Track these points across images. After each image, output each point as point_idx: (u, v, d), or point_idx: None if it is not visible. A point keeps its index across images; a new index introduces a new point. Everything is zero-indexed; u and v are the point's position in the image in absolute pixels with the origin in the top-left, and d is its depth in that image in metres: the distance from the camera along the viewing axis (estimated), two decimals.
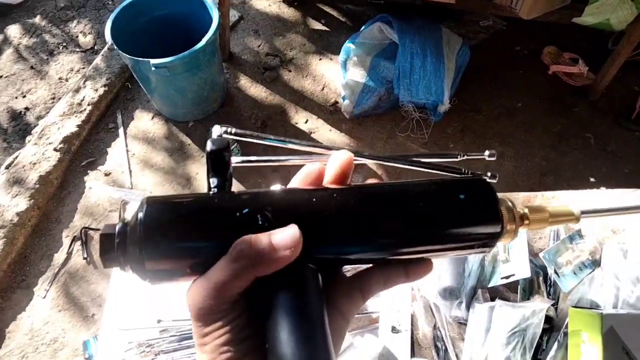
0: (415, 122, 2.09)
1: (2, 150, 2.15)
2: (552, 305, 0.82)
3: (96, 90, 2.18)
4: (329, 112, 2.20)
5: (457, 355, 0.81)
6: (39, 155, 1.98)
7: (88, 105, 2.14)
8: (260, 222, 0.31)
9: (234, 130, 0.43)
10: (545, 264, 0.86)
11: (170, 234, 0.31)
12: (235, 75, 2.32)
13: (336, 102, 2.21)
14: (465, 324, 0.83)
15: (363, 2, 2.51)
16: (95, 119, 2.17)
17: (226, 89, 2.25)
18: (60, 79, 2.36)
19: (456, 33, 2.10)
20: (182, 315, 0.85)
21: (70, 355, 1.63)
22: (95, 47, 2.46)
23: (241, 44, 2.43)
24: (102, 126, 2.19)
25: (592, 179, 1.97)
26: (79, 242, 1.84)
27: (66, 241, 1.86)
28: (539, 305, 0.76)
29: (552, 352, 0.77)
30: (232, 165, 0.35)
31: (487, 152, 0.47)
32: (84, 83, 2.21)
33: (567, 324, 0.77)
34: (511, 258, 0.87)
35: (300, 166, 0.38)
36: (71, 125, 2.08)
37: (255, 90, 2.28)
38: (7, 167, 2.00)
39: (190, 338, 0.83)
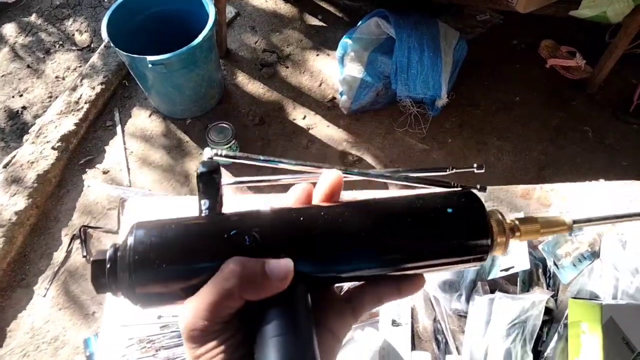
0: (413, 117, 2.09)
1: None
2: (552, 297, 0.82)
3: (93, 88, 2.18)
4: (327, 108, 2.19)
5: (457, 348, 0.82)
6: (36, 154, 1.98)
7: (85, 103, 2.13)
8: (248, 243, 0.31)
9: (224, 153, 0.44)
10: (545, 255, 0.86)
11: (159, 259, 0.31)
12: (232, 72, 2.32)
13: (334, 98, 2.21)
14: (465, 317, 0.83)
15: None
16: (93, 117, 2.17)
17: (224, 85, 2.25)
18: (57, 77, 2.35)
19: (453, 27, 2.10)
20: None
21: (72, 353, 1.63)
22: (92, 45, 2.45)
23: (238, 41, 2.42)
24: (99, 124, 2.18)
25: (590, 173, 1.97)
26: (78, 241, 1.84)
27: (65, 240, 1.86)
28: (539, 297, 0.76)
29: (552, 344, 0.77)
30: (223, 186, 0.36)
31: (475, 165, 0.48)
32: (80, 81, 2.20)
33: (567, 315, 0.78)
34: (510, 250, 0.87)
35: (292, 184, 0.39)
36: (69, 124, 2.07)
37: (253, 86, 2.27)
38: (5, 166, 1.99)
39: None
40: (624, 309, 0.73)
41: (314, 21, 2.48)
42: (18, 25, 2.53)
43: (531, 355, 0.74)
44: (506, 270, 0.84)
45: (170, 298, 0.32)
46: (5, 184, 1.90)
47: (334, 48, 2.18)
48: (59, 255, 1.82)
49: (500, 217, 0.35)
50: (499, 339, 0.76)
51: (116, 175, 2.03)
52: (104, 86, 2.20)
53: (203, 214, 0.34)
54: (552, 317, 0.81)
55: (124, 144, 2.11)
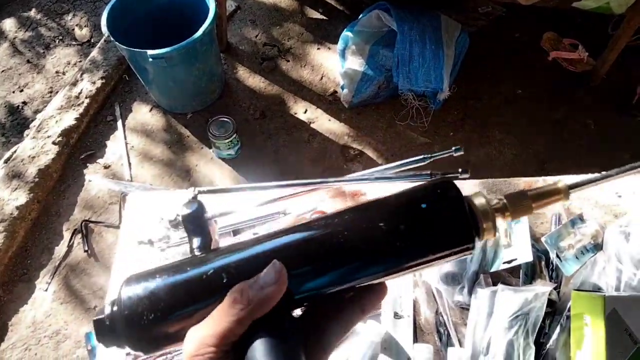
0: (415, 111, 2.08)
1: (0, 145, 2.14)
2: (555, 289, 0.82)
3: (94, 83, 2.17)
4: (328, 102, 2.18)
5: (459, 340, 0.81)
6: (37, 148, 1.98)
7: (86, 98, 2.13)
8: (225, 281, 0.33)
9: (206, 189, 0.46)
10: (547, 248, 0.86)
11: (147, 311, 0.33)
12: (233, 66, 2.31)
13: (335, 92, 2.20)
14: (468, 309, 0.83)
15: None
16: (94, 111, 2.16)
17: (224, 79, 2.24)
18: (57, 72, 2.34)
19: (455, 20, 2.08)
20: None
21: (73, 347, 1.63)
22: (92, 40, 2.44)
23: (238, 35, 2.41)
24: (100, 119, 2.18)
25: (592, 166, 1.96)
26: (79, 235, 1.84)
27: (67, 234, 1.86)
28: (542, 289, 0.76)
29: (554, 336, 0.77)
30: (214, 219, 0.38)
31: (453, 148, 0.48)
32: (81, 76, 2.19)
33: (569, 307, 0.77)
34: (513, 242, 0.87)
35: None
36: (69, 119, 2.07)
37: (254, 80, 2.26)
38: (6, 161, 1.99)
39: None
40: (626, 300, 0.72)
41: (314, 14, 2.47)
42: (18, 20, 2.52)
43: (533, 347, 0.74)
44: (509, 262, 0.84)
45: (172, 340, 0.33)
46: (6, 178, 1.90)
47: (335, 41, 2.17)
48: (60, 250, 1.82)
49: (483, 200, 0.33)
50: (501, 331, 0.76)
51: (117, 169, 2.03)
52: (104, 81, 2.19)
53: (196, 252, 0.37)
54: (554, 310, 0.81)
55: (125, 138, 2.11)
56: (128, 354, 0.82)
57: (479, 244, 0.35)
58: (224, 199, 0.94)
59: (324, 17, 2.46)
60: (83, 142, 2.10)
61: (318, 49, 2.35)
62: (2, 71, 2.36)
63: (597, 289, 0.80)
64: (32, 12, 2.54)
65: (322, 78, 2.26)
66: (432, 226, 0.33)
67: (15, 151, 2.01)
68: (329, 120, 2.13)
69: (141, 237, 0.93)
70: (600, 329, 0.71)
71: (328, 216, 0.36)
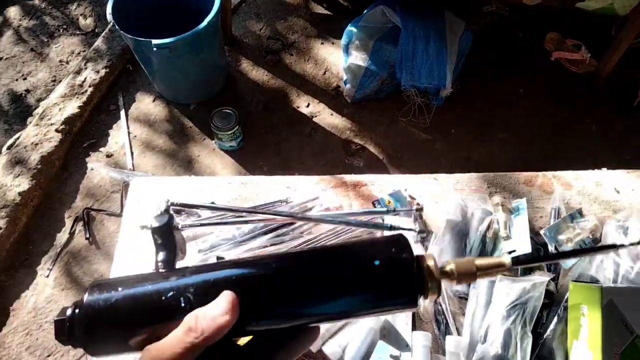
0: (417, 107, 2.09)
1: (3, 132, 2.15)
2: (553, 280, 0.83)
3: (97, 72, 2.18)
4: (331, 96, 2.19)
5: (457, 329, 0.83)
6: (40, 136, 1.98)
7: (89, 86, 2.13)
8: (183, 305, 0.34)
9: (180, 202, 0.47)
10: (547, 241, 0.87)
11: (105, 322, 0.34)
12: (236, 59, 2.31)
13: (338, 86, 2.21)
14: (466, 299, 0.84)
15: None
16: (97, 100, 2.17)
17: (228, 72, 2.25)
18: (60, 61, 2.35)
19: (459, 18, 2.09)
20: None
21: None
22: (96, 30, 2.44)
23: (243, 27, 2.42)
24: (103, 108, 2.18)
25: (593, 167, 1.97)
26: (81, 223, 1.85)
27: (68, 222, 1.87)
28: (540, 279, 0.77)
29: (552, 326, 0.78)
30: (182, 229, 0.38)
31: (414, 208, 0.48)
32: (84, 65, 2.20)
33: (567, 298, 0.78)
34: (512, 235, 0.88)
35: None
36: (72, 107, 2.07)
37: (257, 73, 2.27)
38: (9, 148, 2.00)
39: None
40: (623, 291, 0.74)
41: (319, 9, 2.47)
42: (22, 9, 2.52)
43: (531, 336, 0.75)
44: (508, 254, 0.85)
45: (123, 350, 0.35)
46: (9, 165, 1.91)
47: (339, 36, 2.17)
48: (62, 237, 1.83)
49: (432, 263, 0.35)
50: (499, 319, 0.77)
51: (119, 159, 2.04)
52: (108, 70, 2.19)
53: (160, 267, 0.38)
54: (552, 301, 0.82)
55: (128, 128, 2.11)
56: None
57: (422, 302, 0.37)
58: (224, 200, 0.94)
59: (328, 12, 2.46)
60: (86, 131, 2.11)
61: (322, 43, 2.36)
62: (6, 59, 2.36)
63: (594, 281, 0.81)
64: (37, 1, 2.54)
65: (325, 72, 2.27)
66: (382, 285, 0.35)
67: (18, 138, 2.02)
68: (332, 114, 2.14)
69: (143, 223, 0.93)
70: (597, 319, 0.72)
71: (293, 254, 0.38)
